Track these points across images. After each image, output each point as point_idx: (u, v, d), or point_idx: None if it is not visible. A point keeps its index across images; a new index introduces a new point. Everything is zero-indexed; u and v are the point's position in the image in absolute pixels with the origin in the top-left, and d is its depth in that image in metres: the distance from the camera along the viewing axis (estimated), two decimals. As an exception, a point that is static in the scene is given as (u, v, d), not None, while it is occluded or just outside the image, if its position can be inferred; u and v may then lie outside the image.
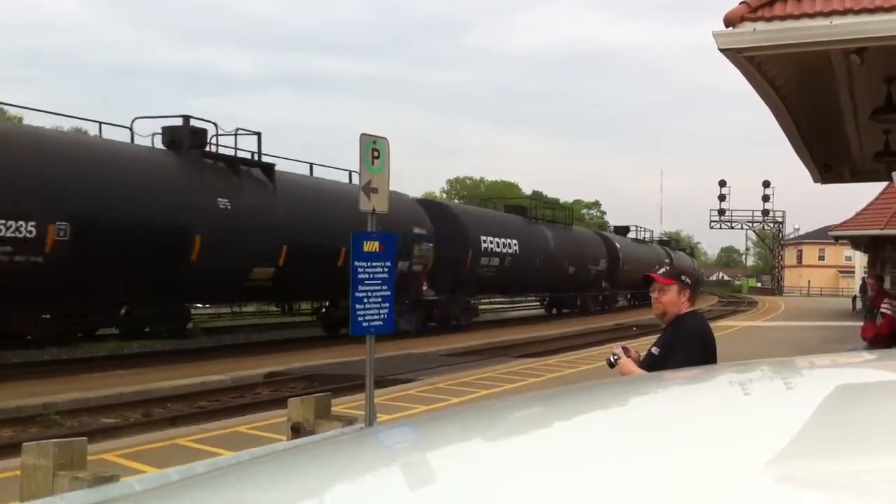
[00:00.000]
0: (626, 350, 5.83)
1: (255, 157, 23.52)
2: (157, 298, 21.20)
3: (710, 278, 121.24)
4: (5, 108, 18.77)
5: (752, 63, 10.22)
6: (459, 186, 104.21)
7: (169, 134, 21.66)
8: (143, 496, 2.02)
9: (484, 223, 33.98)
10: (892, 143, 14.21)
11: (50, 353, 21.24)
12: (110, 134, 20.89)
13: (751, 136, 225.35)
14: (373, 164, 8.46)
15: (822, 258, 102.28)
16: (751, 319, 40.61)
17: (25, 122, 32.05)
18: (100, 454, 9.12)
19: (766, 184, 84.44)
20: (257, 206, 21.79)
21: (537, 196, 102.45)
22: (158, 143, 21.68)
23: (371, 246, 8.29)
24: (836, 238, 43.73)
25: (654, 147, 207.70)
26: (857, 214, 36.67)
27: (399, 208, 23.89)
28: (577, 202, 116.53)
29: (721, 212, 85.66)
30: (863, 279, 39.09)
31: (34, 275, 16.65)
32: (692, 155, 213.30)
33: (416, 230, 28.03)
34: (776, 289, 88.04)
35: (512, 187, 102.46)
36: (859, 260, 63.12)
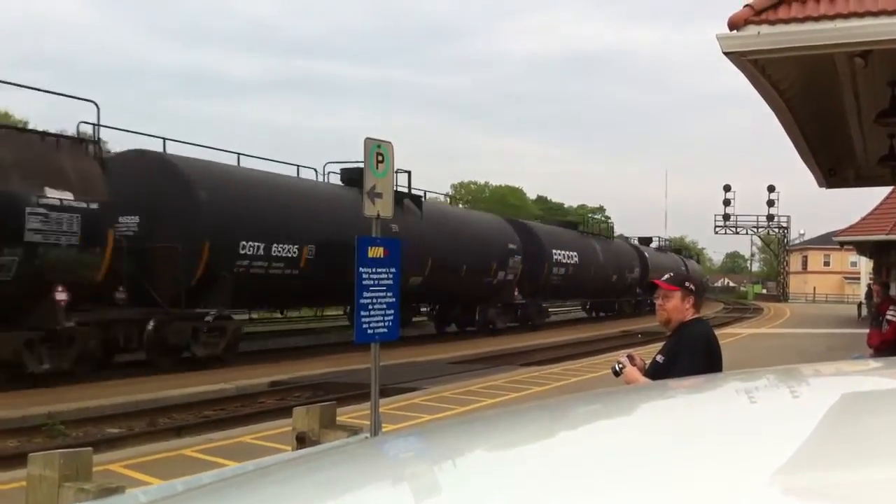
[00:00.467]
0: (631, 358, 5.81)
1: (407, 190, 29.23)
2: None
3: (715, 284, 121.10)
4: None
5: (757, 66, 10.21)
6: (464, 191, 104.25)
7: (348, 174, 27.28)
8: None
9: (554, 238, 39.86)
10: (897, 148, 14.18)
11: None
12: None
13: (755, 141, 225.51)
14: (377, 168, 8.44)
15: (827, 264, 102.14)
16: (756, 327, 40.53)
17: (32, 125, 32.19)
18: (105, 465, 9.12)
19: (771, 188, 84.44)
20: (412, 229, 26.45)
21: (542, 200, 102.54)
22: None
23: (376, 252, 8.25)
24: (842, 244, 43.60)
25: (659, 152, 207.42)
26: (863, 220, 36.54)
27: (497, 228, 34.74)
28: (582, 207, 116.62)
29: (726, 217, 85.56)
30: (868, 285, 38.99)
31: (294, 282, 23.27)
32: (696, 160, 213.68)
33: (510, 246, 34.43)
34: (781, 295, 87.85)
35: (516, 192, 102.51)
36: (864, 266, 63.02)
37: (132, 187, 19.51)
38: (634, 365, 5.74)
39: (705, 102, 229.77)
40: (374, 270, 8.21)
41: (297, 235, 22.97)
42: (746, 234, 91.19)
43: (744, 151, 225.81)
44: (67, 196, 17.13)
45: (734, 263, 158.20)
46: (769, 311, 58.49)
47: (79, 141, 18.91)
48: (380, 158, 8.47)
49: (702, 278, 52.41)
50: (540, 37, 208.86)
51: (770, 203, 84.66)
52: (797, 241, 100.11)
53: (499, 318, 34.33)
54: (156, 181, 20.11)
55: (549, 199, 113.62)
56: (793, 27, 9.36)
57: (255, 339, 31.09)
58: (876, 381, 2.48)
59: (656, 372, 5.48)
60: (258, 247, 21.69)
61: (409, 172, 29.63)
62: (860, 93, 12.06)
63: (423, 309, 35.61)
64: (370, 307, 8.17)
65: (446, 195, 56.03)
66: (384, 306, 8.29)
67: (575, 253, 40.61)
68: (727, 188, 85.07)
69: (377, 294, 8.23)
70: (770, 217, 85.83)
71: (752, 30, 9.45)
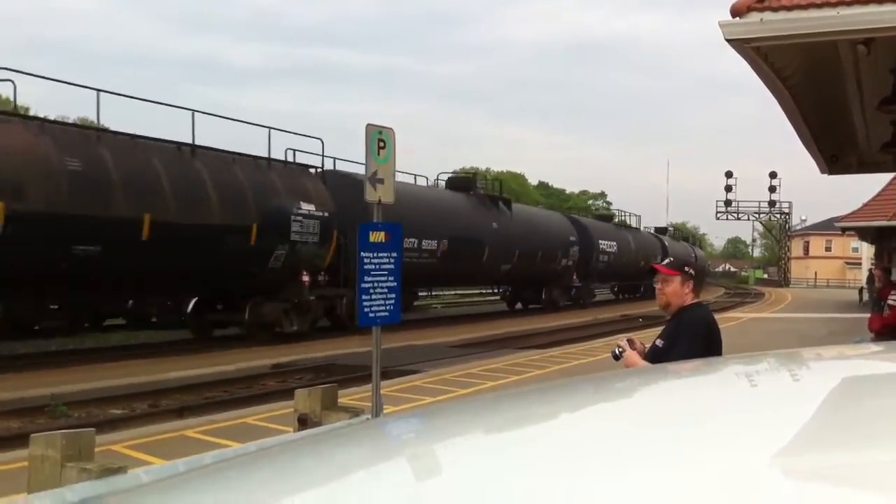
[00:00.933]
0: (631, 342, 5.82)
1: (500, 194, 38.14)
2: (475, 281, 40.72)
3: (717, 269, 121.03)
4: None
5: (759, 54, 10.18)
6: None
7: (453, 181, 35.95)
8: (151, 488, 2.02)
9: (599, 230, 47.69)
10: (900, 135, 14.14)
11: (58, 343, 21.33)
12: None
13: (757, 127, 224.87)
14: (379, 154, 8.44)
15: (828, 249, 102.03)
16: (757, 311, 40.56)
17: (32, 112, 32.16)
18: (108, 445, 9.16)
19: (773, 175, 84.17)
20: (505, 226, 34.86)
21: (543, 186, 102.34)
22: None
23: (377, 236, 8.26)
24: (843, 229, 43.52)
25: (661, 138, 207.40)
26: (864, 205, 36.48)
27: (560, 223, 43.40)
28: (584, 193, 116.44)
29: (728, 203, 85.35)
30: (870, 270, 38.99)
31: (432, 268, 29.81)
32: (699, 146, 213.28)
33: (570, 238, 42.32)
34: (783, 280, 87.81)
35: (518, 178, 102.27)
36: (866, 251, 62.99)
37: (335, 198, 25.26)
38: (634, 349, 5.75)
39: (708, 89, 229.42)
40: (375, 255, 8.22)
41: (436, 232, 29.70)
42: (748, 219, 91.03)
43: (746, 138, 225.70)
44: (312, 208, 24.17)
45: (736, 249, 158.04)
46: (770, 295, 58.51)
47: (311, 167, 26.12)
48: (381, 144, 8.47)
49: (698, 261, 54.52)
50: (543, 23, 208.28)
51: (772, 189, 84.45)
52: (799, 227, 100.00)
53: (560, 297, 42.66)
54: (347, 193, 24.01)
55: (550, 185, 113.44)
56: (795, 14, 9.33)
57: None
58: (877, 365, 2.49)
59: (656, 356, 5.49)
60: (414, 242, 27.57)
61: (500, 181, 41.70)
62: (863, 80, 12.03)
63: (496, 290, 44.68)
64: (371, 291, 8.18)
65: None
66: (386, 290, 8.30)
67: (614, 242, 48.39)
68: (729, 174, 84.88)
69: (379, 278, 8.25)
70: (772, 203, 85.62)
71: (754, 17, 9.41)
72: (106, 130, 19.94)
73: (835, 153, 18.30)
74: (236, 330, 23.98)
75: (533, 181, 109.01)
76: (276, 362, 18.78)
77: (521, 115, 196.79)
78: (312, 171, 26.12)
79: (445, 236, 30.06)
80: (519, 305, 42.88)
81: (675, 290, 5.65)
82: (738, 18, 9.48)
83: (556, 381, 2.82)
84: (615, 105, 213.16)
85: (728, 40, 9.55)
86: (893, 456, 1.26)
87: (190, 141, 21.17)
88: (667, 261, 6.01)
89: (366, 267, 8.11)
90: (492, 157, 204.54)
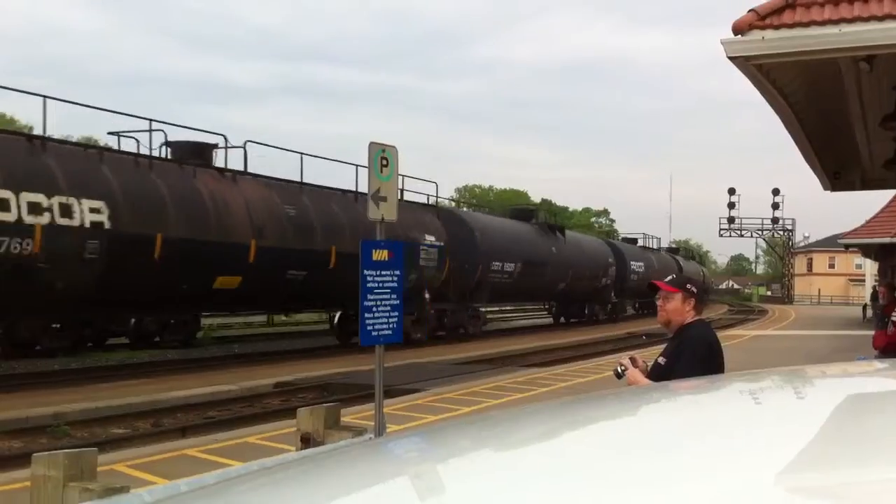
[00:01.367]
0: (633, 360, 5.80)
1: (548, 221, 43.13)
2: (538, 297, 46.51)
3: (720, 286, 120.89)
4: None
5: (761, 71, 10.21)
6: (468, 195, 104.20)
7: (517, 212, 41.42)
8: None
9: (630, 252, 53.19)
10: (902, 151, 14.16)
11: (60, 362, 21.32)
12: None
13: (760, 144, 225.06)
14: (381, 172, 8.46)
15: (832, 266, 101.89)
16: (761, 328, 40.51)
17: (37, 130, 32.22)
18: (110, 465, 9.13)
19: (776, 191, 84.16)
20: (561, 250, 40.08)
21: (546, 204, 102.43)
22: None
23: (380, 255, 8.26)
24: (846, 246, 43.59)
25: (663, 155, 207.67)
26: (868, 222, 36.50)
27: (600, 246, 49.30)
28: (587, 210, 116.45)
29: (731, 220, 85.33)
30: (874, 287, 38.90)
31: (510, 287, 35.09)
32: (701, 163, 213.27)
33: (609, 259, 47.33)
34: (786, 297, 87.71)
35: (521, 196, 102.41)
36: (869, 268, 62.88)
37: (447, 231, 30.60)
38: (636, 367, 5.73)
39: (710, 106, 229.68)
40: (378, 273, 8.22)
41: (514, 256, 34.72)
42: (751, 236, 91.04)
43: (749, 154, 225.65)
44: (433, 239, 29.33)
45: (739, 266, 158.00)
46: (774, 312, 58.48)
47: (428, 205, 31.80)
48: (384, 162, 8.49)
49: (702, 280, 56.29)
50: (544, 43, 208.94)
51: (775, 206, 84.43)
52: (802, 244, 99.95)
53: (600, 312, 48.55)
54: (454, 226, 31.29)
55: (553, 202, 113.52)
56: (797, 32, 9.36)
57: (259, 341, 31.17)
58: (881, 382, 2.48)
59: (658, 373, 5.47)
60: (499, 265, 33.56)
61: (554, 213, 52.25)
62: (865, 97, 12.05)
63: (545, 306, 50.92)
64: (374, 310, 8.18)
65: (450, 199, 57.88)
66: (388, 308, 8.30)
67: (641, 263, 53.41)
68: (732, 191, 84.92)
69: (381, 296, 8.24)
70: (775, 220, 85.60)
71: (756, 34, 9.45)
72: (305, 184, 24.90)
73: (837, 170, 18.33)
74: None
75: (536, 198, 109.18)
76: (279, 381, 18.75)
77: (522, 133, 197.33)
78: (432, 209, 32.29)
79: (521, 260, 35.35)
80: (562, 319, 48.55)
81: (675, 308, 5.63)
82: (740, 36, 9.52)
83: (559, 399, 2.82)
84: (617, 122, 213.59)
85: (730, 58, 9.58)
86: (897, 474, 1.25)
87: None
88: (668, 278, 5.98)
89: (369, 285, 8.11)
90: (495, 175, 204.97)
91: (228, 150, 23.32)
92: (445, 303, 31.19)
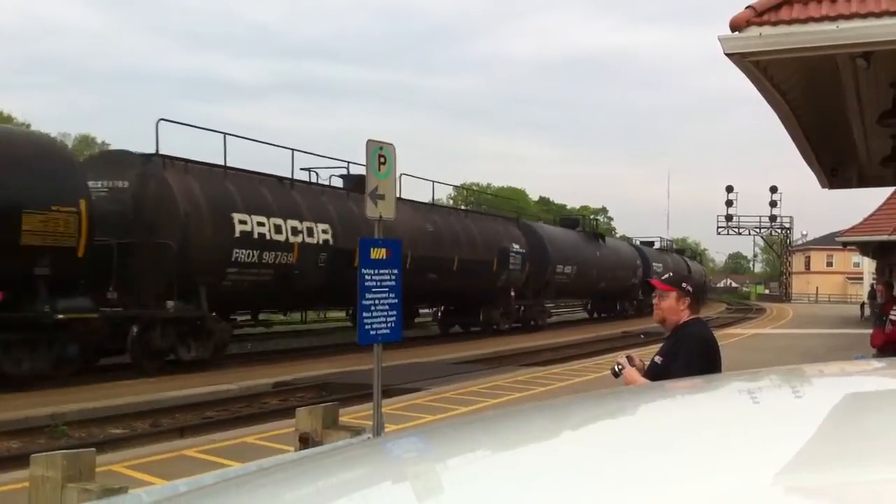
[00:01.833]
0: (630, 359, 5.80)
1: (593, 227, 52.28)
2: (585, 295, 53.07)
3: (718, 285, 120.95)
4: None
5: (759, 67, 10.21)
6: (466, 193, 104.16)
7: (565, 221, 48.81)
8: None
9: (651, 254, 58.85)
10: (900, 149, 14.14)
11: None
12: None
13: (758, 142, 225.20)
14: (379, 169, 8.45)
15: (830, 264, 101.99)
16: (759, 327, 40.52)
17: (34, 127, 32.22)
18: (108, 465, 9.12)
19: (774, 189, 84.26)
20: (603, 254, 46.67)
21: (544, 202, 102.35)
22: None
23: (378, 253, 8.25)
24: (844, 244, 43.54)
25: (661, 153, 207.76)
26: (865, 220, 36.45)
27: (630, 249, 56.08)
28: (585, 208, 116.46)
29: (728, 218, 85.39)
30: (871, 285, 38.94)
31: (567, 286, 42.42)
32: (699, 161, 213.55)
33: (637, 261, 53.35)
34: (784, 296, 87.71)
35: (519, 193, 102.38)
36: (867, 266, 62.97)
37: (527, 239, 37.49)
38: (633, 366, 5.73)
39: (708, 103, 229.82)
40: (376, 272, 8.21)
41: (571, 260, 41.30)
42: (749, 234, 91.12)
43: (746, 152, 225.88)
44: (517, 247, 35.90)
45: (737, 264, 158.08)
46: (772, 311, 58.49)
47: (510, 218, 39.86)
48: (382, 160, 8.48)
49: (699, 278, 57.65)
50: (543, 40, 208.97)
51: (773, 204, 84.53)
52: (800, 242, 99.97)
53: (629, 307, 53.52)
54: (531, 235, 38.20)
55: (551, 200, 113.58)
56: (795, 28, 9.36)
57: (258, 340, 31.16)
58: (879, 381, 2.48)
59: (655, 373, 5.47)
60: (562, 267, 40.39)
61: (596, 219, 56.49)
62: (862, 94, 12.06)
63: (582, 303, 56.85)
64: (372, 308, 8.16)
65: (449, 197, 58.29)
66: (386, 307, 8.28)
67: (661, 264, 57.39)
68: (729, 189, 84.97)
69: (380, 295, 8.23)
70: (773, 218, 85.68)
71: (753, 31, 9.44)
72: (435, 205, 32.97)
73: (835, 167, 18.33)
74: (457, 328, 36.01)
75: (534, 196, 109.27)
76: (277, 380, 18.74)
77: (520, 130, 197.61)
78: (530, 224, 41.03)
79: (576, 263, 42.04)
80: (594, 314, 54.94)
81: (670, 306, 5.63)
82: (737, 33, 9.52)
83: (556, 398, 2.81)
84: (615, 119, 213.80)
85: (727, 54, 9.58)
86: (894, 474, 1.25)
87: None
88: (665, 276, 5.98)
89: (367, 284, 8.10)
90: (493, 172, 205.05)
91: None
92: (524, 300, 37.72)
